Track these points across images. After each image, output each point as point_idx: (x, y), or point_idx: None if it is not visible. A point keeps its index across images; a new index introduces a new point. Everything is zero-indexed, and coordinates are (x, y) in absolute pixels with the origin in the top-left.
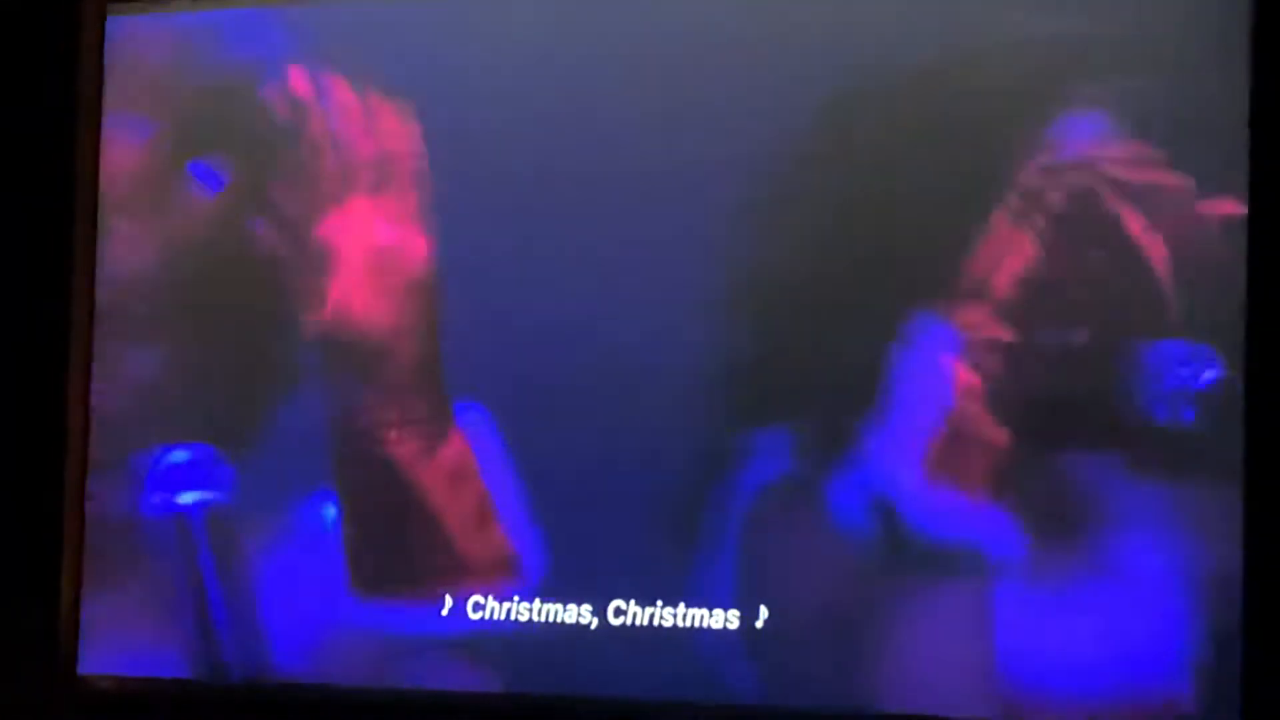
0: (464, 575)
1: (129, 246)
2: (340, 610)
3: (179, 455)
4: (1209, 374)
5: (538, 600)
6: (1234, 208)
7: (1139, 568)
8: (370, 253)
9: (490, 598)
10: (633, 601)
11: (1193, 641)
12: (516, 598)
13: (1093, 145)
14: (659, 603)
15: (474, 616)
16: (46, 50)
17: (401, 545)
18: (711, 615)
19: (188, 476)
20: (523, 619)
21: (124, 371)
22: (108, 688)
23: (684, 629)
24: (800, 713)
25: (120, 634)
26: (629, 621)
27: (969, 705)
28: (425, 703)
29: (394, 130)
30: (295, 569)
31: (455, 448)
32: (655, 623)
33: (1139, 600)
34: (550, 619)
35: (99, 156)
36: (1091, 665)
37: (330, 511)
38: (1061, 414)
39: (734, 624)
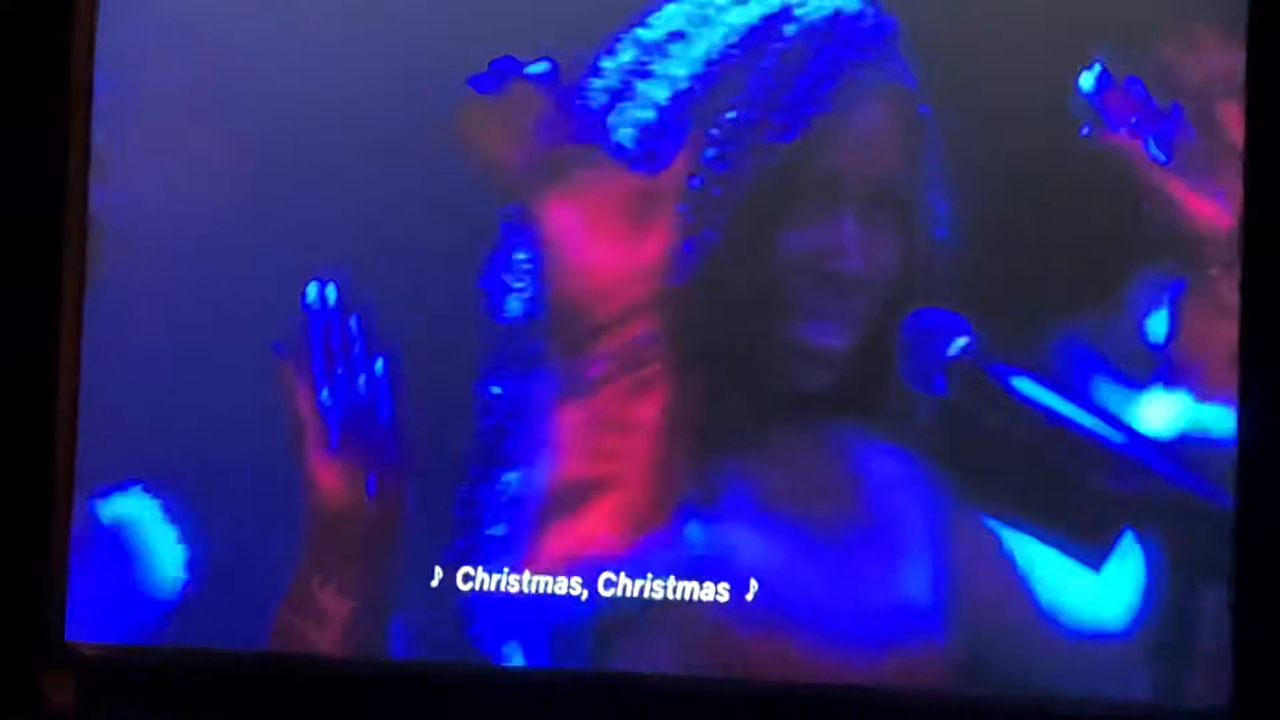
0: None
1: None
2: None
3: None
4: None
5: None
6: None
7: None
8: None
9: (480, 569)
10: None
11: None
12: (507, 569)
13: None
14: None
15: (464, 588)
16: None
17: None
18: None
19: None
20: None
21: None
22: (96, 655)
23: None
24: None
25: (109, 601)
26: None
27: None
28: (416, 674)
29: None
30: None
31: None
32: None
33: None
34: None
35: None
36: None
37: None
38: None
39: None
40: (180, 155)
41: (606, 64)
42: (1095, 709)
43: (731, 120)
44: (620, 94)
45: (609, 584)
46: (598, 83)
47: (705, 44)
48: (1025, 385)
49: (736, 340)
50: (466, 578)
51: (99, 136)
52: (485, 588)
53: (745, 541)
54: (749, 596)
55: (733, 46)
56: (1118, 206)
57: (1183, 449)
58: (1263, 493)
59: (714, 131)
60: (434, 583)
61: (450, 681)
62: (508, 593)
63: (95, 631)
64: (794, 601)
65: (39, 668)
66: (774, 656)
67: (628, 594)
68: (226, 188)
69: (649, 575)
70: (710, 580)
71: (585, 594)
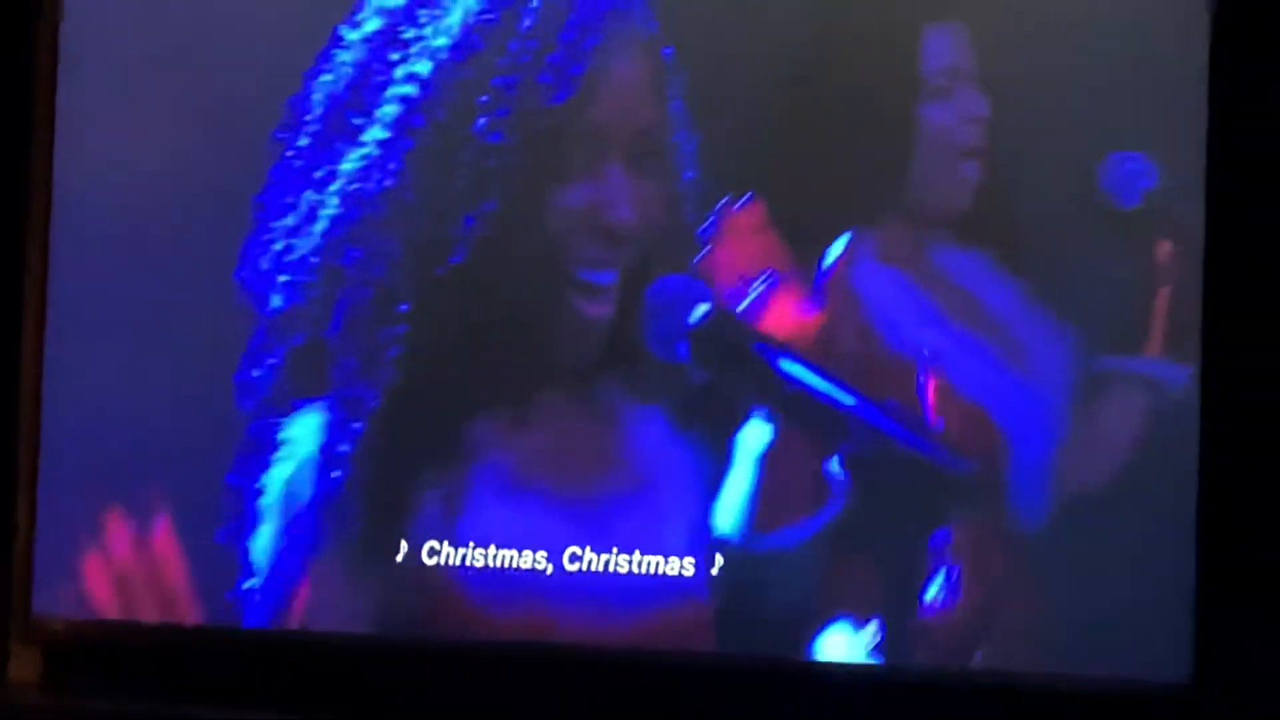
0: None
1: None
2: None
3: None
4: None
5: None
6: None
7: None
8: None
9: (445, 543)
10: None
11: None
12: (472, 544)
13: None
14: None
15: (429, 562)
16: None
17: None
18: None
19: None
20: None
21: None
22: (62, 629)
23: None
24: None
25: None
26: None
27: None
28: (379, 648)
29: None
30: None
31: None
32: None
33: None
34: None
35: None
36: None
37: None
38: None
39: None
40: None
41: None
42: (1054, 683)
43: (499, 86)
44: (370, 66)
45: None
46: (344, 55)
47: (460, 10)
48: (768, 351)
49: (516, 311)
50: None
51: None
52: None
53: (507, 509)
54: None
55: (487, 11)
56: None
57: (912, 410)
58: (1224, 475)
59: (483, 99)
60: None
61: None
62: None
63: (61, 605)
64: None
65: (4, 642)
66: (530, 621)
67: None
68: None
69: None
70: (480, 546)
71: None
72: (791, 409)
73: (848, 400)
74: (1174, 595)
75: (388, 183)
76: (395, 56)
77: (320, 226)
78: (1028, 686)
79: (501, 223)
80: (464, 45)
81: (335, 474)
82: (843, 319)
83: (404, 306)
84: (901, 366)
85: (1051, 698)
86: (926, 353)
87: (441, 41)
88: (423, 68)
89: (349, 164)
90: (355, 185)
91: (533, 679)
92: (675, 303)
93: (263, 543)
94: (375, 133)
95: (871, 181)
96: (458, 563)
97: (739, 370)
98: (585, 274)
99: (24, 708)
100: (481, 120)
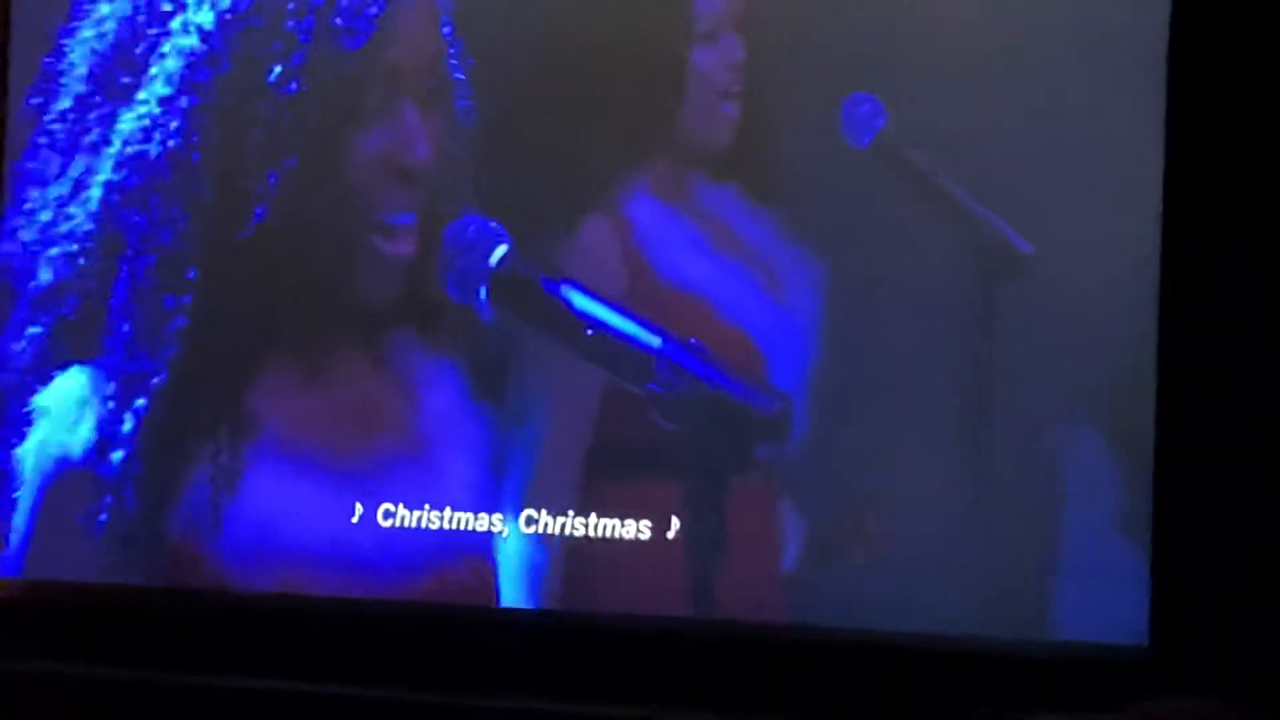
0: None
1: None
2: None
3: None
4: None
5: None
6: None
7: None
8: None
9: (401, 505)
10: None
11: None
12: (427, 506)
13: None
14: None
15: (384, 525)
16: None
17: None
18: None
19: None
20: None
21: None
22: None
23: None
24: None
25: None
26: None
27: None
28: (339, 611)
29: None
30: None
31: None
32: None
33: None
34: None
35: None
36: None
37: None
38: None
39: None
40: None
41: None
42: (1008, 647)
43: (292, 31)
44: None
45: None
46: (105, 8)
47: None
48: (568, 293)
49: (317, 265)
50: None
51: None
52: None
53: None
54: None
55: None
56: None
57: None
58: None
59: (276, 45)
60: None
61: None
62: None
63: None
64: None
65: None
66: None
67: None
68: None
69: None
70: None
71: None
72: (597, 353)
73: (654, 341)
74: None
75: (172, 143)
76: (168, 7)
77: (95, 193)
78: (981, 651)
79: (303, 176)
80: None
81: (117, 454)
82: (618, 254)
83: (192, 273)
84: (677, 298)
85: (1007, 662)
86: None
87: None
88: (204, 18)
89: (125, 125)
90: (134, 148)
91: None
92: (476, 243)
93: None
94: (156, 89)
95: (643, 120)
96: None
97: (539, 314)
98: (386, 217)
99: None
100: (276, 69)
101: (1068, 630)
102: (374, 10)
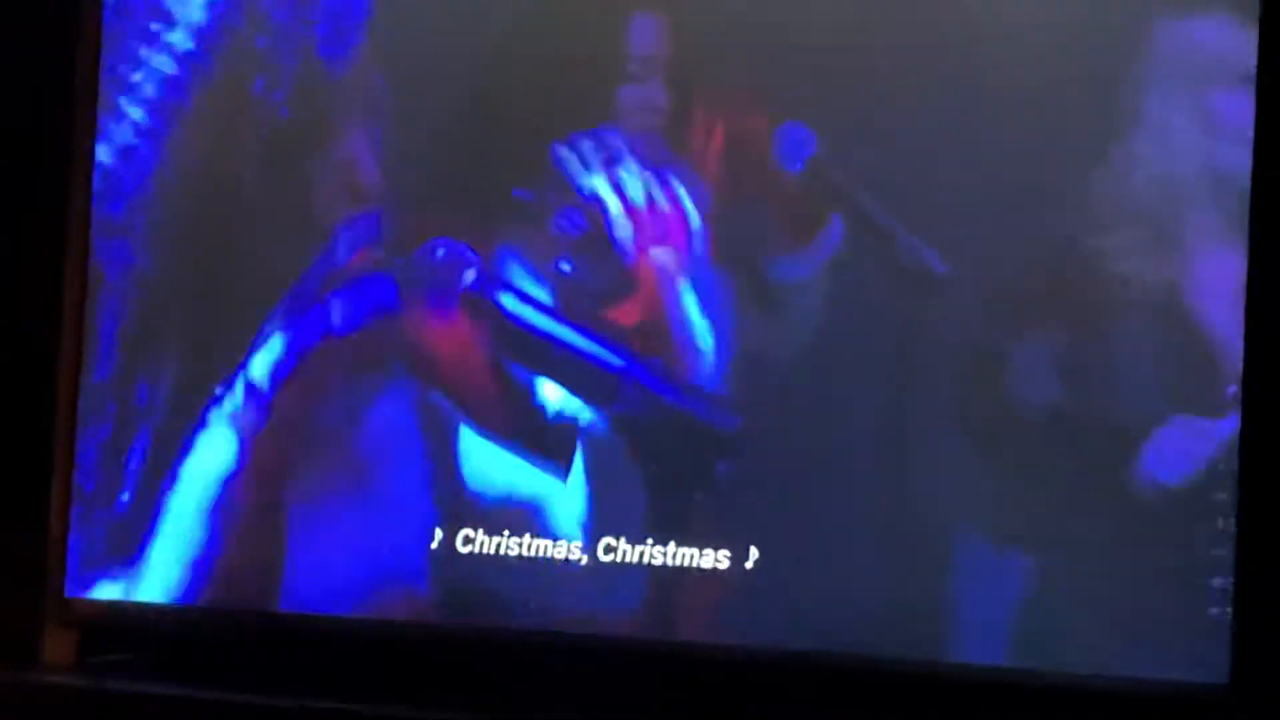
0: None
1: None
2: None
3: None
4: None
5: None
6: None
7: None
8: None
9: (480, 533)
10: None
11: None
12: (507, 532)
13: None
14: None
15: (463, 551)
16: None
17: None
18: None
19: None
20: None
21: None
22: (94, 611)
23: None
24: None
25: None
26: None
27: None
28: (413, 635)
29: None
30: None
31: None
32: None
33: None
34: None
35: None
36: None
37: None
38: None
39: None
40: None
41: None
42: (1086, 683)
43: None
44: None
45: None
46: None
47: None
48: (533, 315)
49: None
50: None
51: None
52: None
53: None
54: None
55: None
56: None
57: (682, 370)
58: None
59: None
60: None
61: None
62: None
63: (95, 588)
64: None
65: (39, 624)
66: None
67: None
68: None
69: None
70: None
71: None
72: (563, 374)
73: (616, 361)
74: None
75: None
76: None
77: None
78: (1061, 686)
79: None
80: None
81: None
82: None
83: None
84: None
85: (1085, 698)
86: None
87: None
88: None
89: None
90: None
91: None
92: (445, 266)
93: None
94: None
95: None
96: None
97: (507, 334)
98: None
99: (58, 688)
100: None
101: (1146, 667)
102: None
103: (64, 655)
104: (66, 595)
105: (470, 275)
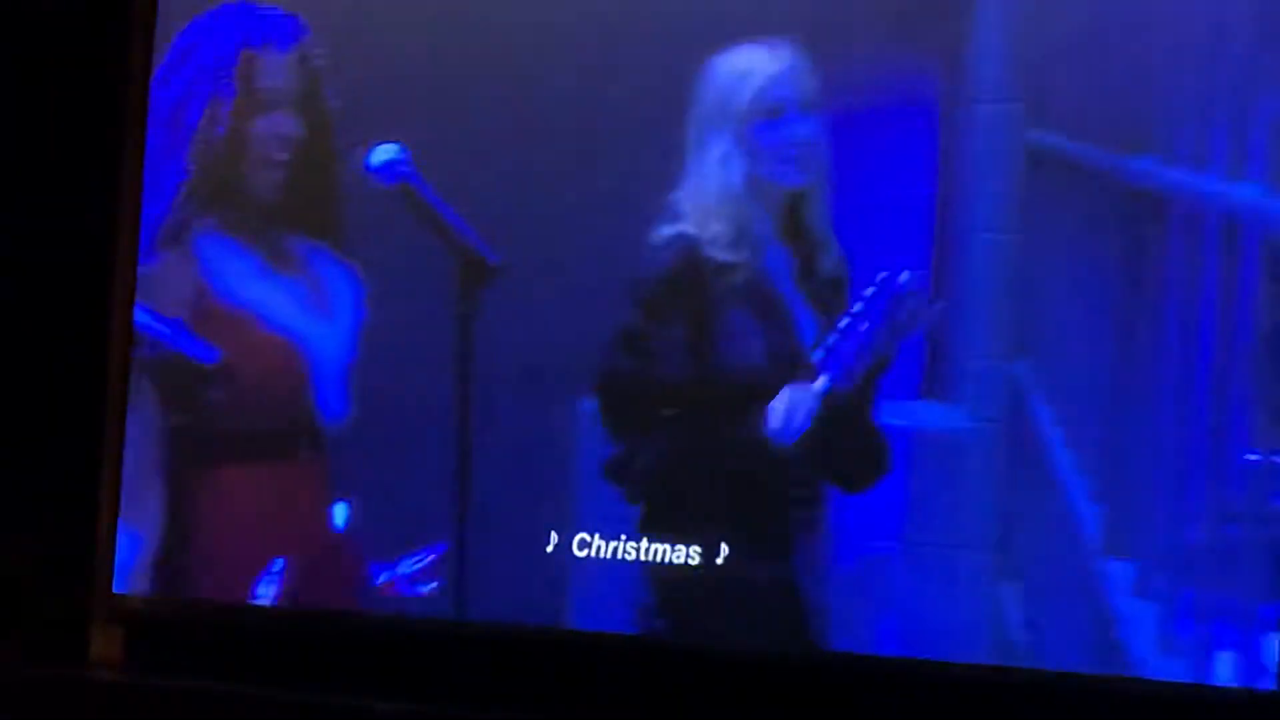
0: None
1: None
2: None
3: None
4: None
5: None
6: None
7: None
8: None
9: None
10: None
11: None
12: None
13: None
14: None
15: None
16: None
17: None
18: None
19: None
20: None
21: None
22: (141, 607)
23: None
24: None
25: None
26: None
27: None
28: (416, 630)
29: None
30: None
31: None
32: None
33: None
34: None
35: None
36: None
37: None
38: None
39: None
40: None
41: None
42: (1135, 687)
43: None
44: None
45: None
46: None
47: None
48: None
49: None
50: None
51: None
52: None
53: None
54: None
55: None
56: None
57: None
58: None
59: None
60: None
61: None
62: None
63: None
64: None
65: (86, 620)
66: None
67: None
68: None
69: None
70: None
71: None
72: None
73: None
74: None
75: None
76: None
77: None
78: (1109, 690)
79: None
80: None
81: None
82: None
83: None
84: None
85: (1133, 702)
86: None
87: None
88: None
89: None
90: None
91: None
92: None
93: None
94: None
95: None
96: None
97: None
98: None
99: (106, 685)
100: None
101: (1195, 670)
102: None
103: (112, 652)
104: (114, 591)
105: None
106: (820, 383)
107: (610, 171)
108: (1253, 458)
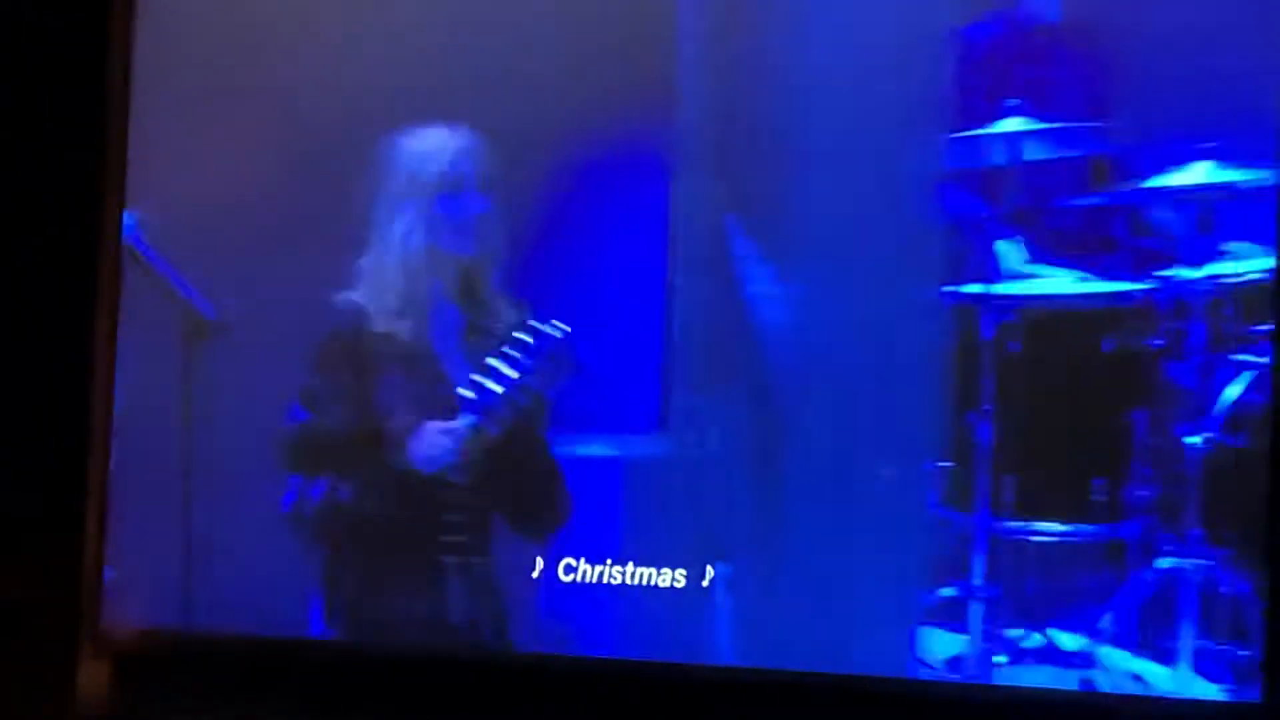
0: None
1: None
2: None
3: None
4: None
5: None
6: None
7: None
8: None
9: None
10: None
11: None
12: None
13: None
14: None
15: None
16: None
17: None
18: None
19: None
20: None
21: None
22: (129, 639)
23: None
24: None
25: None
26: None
27: None
28: (398, 660)
29: None
30: None
31: None
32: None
33: None
34: None
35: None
36: None
37: None
38: None
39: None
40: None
41: None
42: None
43: None
44: None
45: None
46: None
47: None
48: None
49: None
50: None
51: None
52: None
53: None
54: None
55: None
56: None
57: None
58: None
59: None
60: None
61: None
62: None
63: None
64: None
65: (74, 653)
66: None
67: None
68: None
69: None
70: None
71: None
72: None
73: None
74: None
75: None
76: None
77: None
78: (1094, 707)
79: None
80: None
81: None
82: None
83: None
84: None
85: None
86: None
87: None
88: None
89: None
90: None
91: None
92: None
93: None
94: None
95: None
96: None
97: None
98: None
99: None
100: None
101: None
102: None
103: (99, 685)
104: (102, 624)
105: None
106: (463, 421)
107: (313, 236)
108: None
